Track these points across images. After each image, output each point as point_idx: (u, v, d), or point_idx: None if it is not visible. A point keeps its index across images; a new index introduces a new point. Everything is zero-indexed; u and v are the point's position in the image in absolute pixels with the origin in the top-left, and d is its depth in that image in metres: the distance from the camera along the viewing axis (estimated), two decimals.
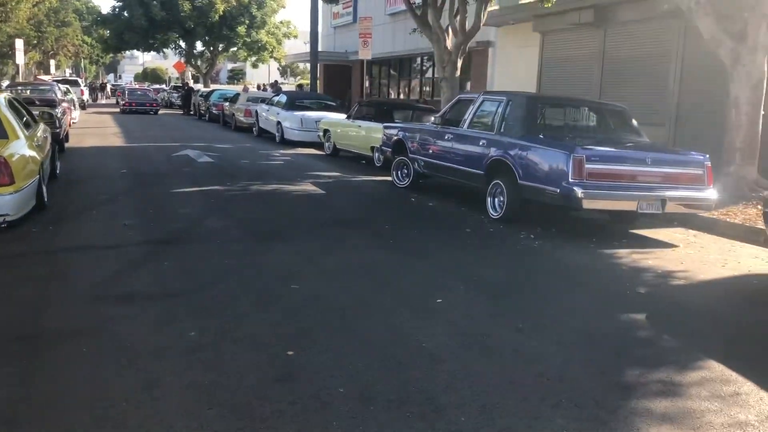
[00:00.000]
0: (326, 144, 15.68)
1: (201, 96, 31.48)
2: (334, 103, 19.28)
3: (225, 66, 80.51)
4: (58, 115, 13.59)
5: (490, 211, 7.93)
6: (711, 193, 7.20)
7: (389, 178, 10.93)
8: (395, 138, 10.50)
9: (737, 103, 8.66)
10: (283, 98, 19.11)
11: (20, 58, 32.92)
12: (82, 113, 30.44)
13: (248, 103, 22.84)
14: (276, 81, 33.55)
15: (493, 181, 7.88)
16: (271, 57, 46.73)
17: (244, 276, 5.21)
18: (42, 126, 9.40)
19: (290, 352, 3.69)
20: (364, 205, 8.95)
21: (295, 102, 18.60)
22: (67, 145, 15.19)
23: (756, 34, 8.36)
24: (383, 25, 29.37)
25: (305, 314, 4.34)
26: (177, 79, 79.22)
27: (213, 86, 44.84)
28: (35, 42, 44.56)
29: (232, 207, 8.19)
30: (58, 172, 10.33)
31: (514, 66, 20.35)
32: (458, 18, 16.03)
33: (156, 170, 11.46)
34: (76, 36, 54.09)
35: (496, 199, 7.90)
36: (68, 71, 77.12)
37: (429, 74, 27.22)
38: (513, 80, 20.22)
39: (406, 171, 10.28)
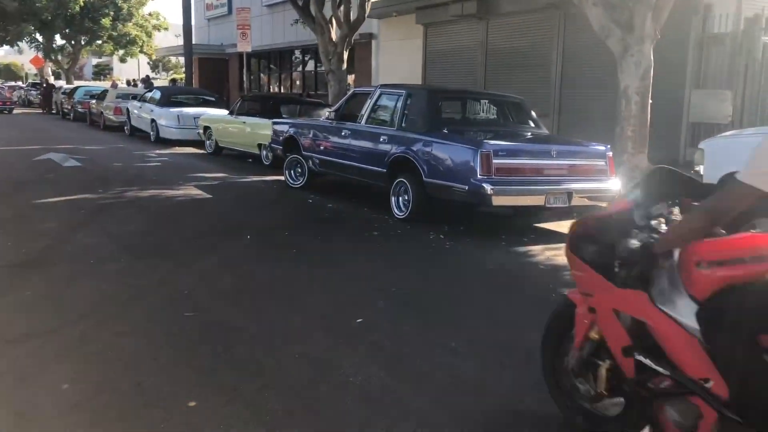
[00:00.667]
0: (207, 142, 14.69)
1: (64, 93, 28.96)
2: (212, 98, 18.20)
3: (90, 61, 75.27)
4: None
5: (395, 210, 7.51)
6: (614, 184, 7.16)
7: (281, 178, 10.25)
8: (286, 135, 9.83)
9: (627, 93, 8.74)
10: (156, 94, 17.79)
11: None
12: None
13: (118, 100, 21.15)
14: (147, 76, 31.58)
15: (397, 180, 7.46)
16: (140, 51, 44.03)
17: (126, 304, 4.43)
18: None
19: (192, 403, 3.03)
20: (257, 209, 8.23)
21: (170, 98, 17.35)
22: None
23: (642, 24, 8.46)
24: (261, 17, 28.32)
25: (205, 350, 3.67)
26: (35, 75, 73.24)
27: (77, 83, 41.63)
28: None
29: (106, 218, 7.22)
30: None
31: (398, 59, 20.15)
32: (341, 9, 15.54)
33: (14, 177, 10.09)
34: None
35: (401, 198, 7.48)
36: None
37: (310, 67, 26.57)
38: (397, 73, 20.02)
39: (299, 170, 9.65)
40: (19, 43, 43.00)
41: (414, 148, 7.20)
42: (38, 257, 5.55)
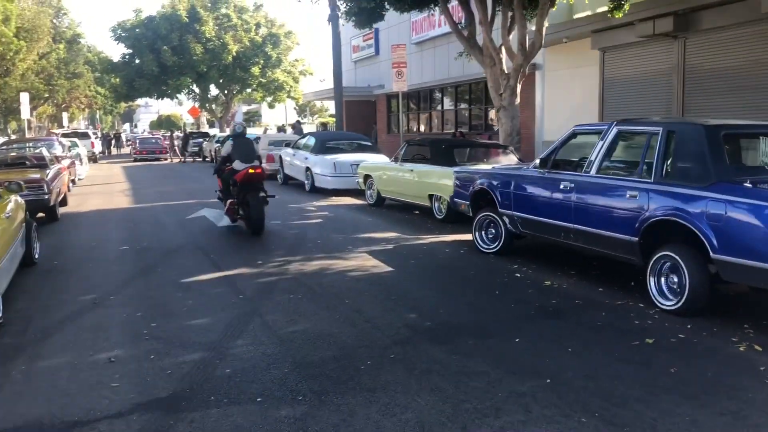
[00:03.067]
0: (368, 192, 13.18)
1: (218, 142, 29.30)
2: (369, 143, 16.85)
3: (240, 109, 79.13)
4: (48, 177, 11.25)
5: (657, 298, 5.30)
6: None
7: (465, 238, 8.36)
8: (476, 187, 7.92)
9: None
10: (311, 140, 16.72)
11: (26, 112, 31.07)
12: (93, 167, 28.41)
13: (270, 147, 20.52)
14: (298, 121, 31.39)
15: (659, 254, 5.26)
16: (288, 97, 44.80)
17: None
18: (5, 203, 6.95)
19: None
20: (458, 291, 6.28)
21: (325, 144, 16.18)
22: (64, 209, 12.88)
23: None
24: (409, 55, 27.18)
25: None
26: (192, 124, 78.04)
27: (228, 130, 42.95)
28: (46, 95, 43.04)
29: (270, 309, 5.62)
30: (37, 256, 7.88)
31: (567, 89, 17.89)
32: (512, 36, 13.65)
33: (164, 243, 8.98)
34: (88, 87, 52.72)
35: (665, 279, 5.26)
36: (84, 123, 76.27)
37: (465, 104, 24.85)
38: (567, 105, 17.73)
39: (494, 231, 7.69)
40: (178, 95, 45.13)
41: (690, 209, 4.98)
42: (184, 392, 3.93)
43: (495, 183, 7.54)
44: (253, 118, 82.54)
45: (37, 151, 14.21)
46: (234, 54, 40.25)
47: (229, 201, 9.91)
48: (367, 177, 13.20)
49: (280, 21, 43.32)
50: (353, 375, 4.05)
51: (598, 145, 6.15)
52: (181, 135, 38.60)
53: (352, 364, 4.25)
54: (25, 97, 30.11)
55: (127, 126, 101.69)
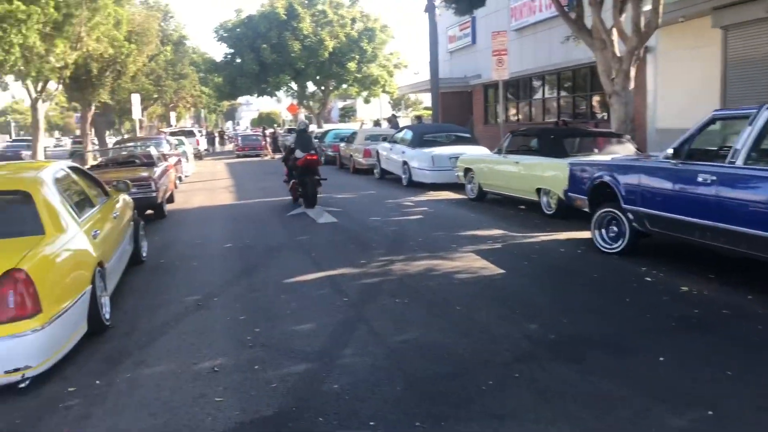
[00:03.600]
0: (468, 186, 12.65)
1: (315, 137, 29.54)
2: (467, 135, 16.29)
3: (336, 104, 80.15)
4: (155, 176, 11.48)
5: None
6: None
7: (581, 236, 7.72)
8: (595, 180, 7.27)
9: None
10: (407, 134, 16.37)
11: (137, 112, 32.62)
12: (198, 164, 29.39)
13: (367, 142, 20.36)
14: (393, 114, 31.11)
15: None
16: (383, 91, 44.75)
17: None
18: (114, 202, 6.99)
19: None
20: (581, 298, 5.68)
21: (422, 137, 15.78)
22: (171, 206, 13.16)
23: None
24: (508, 43, 26.27)
25: None
26: (291, 121, 79.80)
27: (326, 126, 43.42)
28: (155, 96, 45.12)
29: (375, 315, 5.27)
30: (144, 254, 7.94)
31: (682, 72, 16.58)
32: (623, 16, 12.68)
33: (266, 241, 8.86)
34: (194, 87, 54.89)
35: None
36: (190, 121, 79.72)
37: (567, 92, 23.72)
38: (683, 90, 16.46)
39: (616, 229, 7.01)
40: (277, 92, 46.09)
41: None
42: (293, 409, 3.63)
43: (618, 176, 6.86)
44: (348, 113, 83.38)
45: (146, 149, 14.64)
46: (330, 50, 40.57)
47: (292, 182, 12.84)
48: (467, 170, 12.68)
49: (374, 15, 43.25)
50: (474, 397, 3.61)
51: (745, 132, 5.38)
52: (270, 132, 39.41)
53: (472, 383, 3.81)
54: (136, 98, 31.58)
55: (229, 124, 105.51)
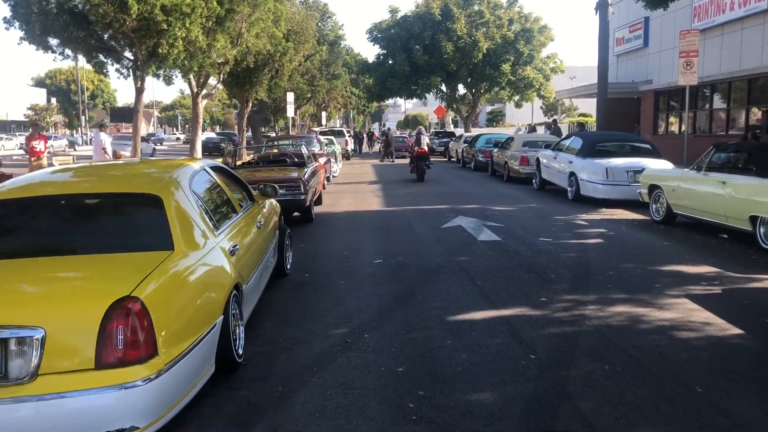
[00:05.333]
0: (654, 206, 10.80)
1: (465, 142, 28.34)
2: (648, 147, 14.26)
3: (484, 108, 78.32)
4: (305, 177, 10.78)
5: None
6: None
7: None
8: None
9: None
10: (576, 142, 14.65)
11: (291, 111, 33.11)
12: (346, 164, 29.20)
13: (525, 149, 18.79)
14: (555, 120, 29.14)
15: None
16: (537, 95, 42.55)
17: None
18: (259, 208, 6.15)
19: None
20: None
21: (594, 146, 14.02)
22: (318, 209, 12.49)
23: None
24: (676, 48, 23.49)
25: None
26: (436, 124, 79.10)
27: (476, 130, 42.07)
28: (309, 96, 46.03)
29: (582, 393, 3.88)
30: (289, 266, 7.09)
31: None
32: None
33: (421, 260, 7.74)
34: (345, 87, 55.68)
35: None
36: (339, 122, 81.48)
37: (762, 102, 20.68)
38: None
39: None
40: (427, 94, 45.34)
41: None
42: None
43: None
44: (496, 117, 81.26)
45: (297, 148, 14.13)
46: (484, 51, 39.11)
47: (411, 165, 20.17)
48: (653, 187, 10.83)
49: (534, 15, 41.15)
50: None
51: None
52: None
53: None
54: (291, 97, 32.03)
55: (376, 125, 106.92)
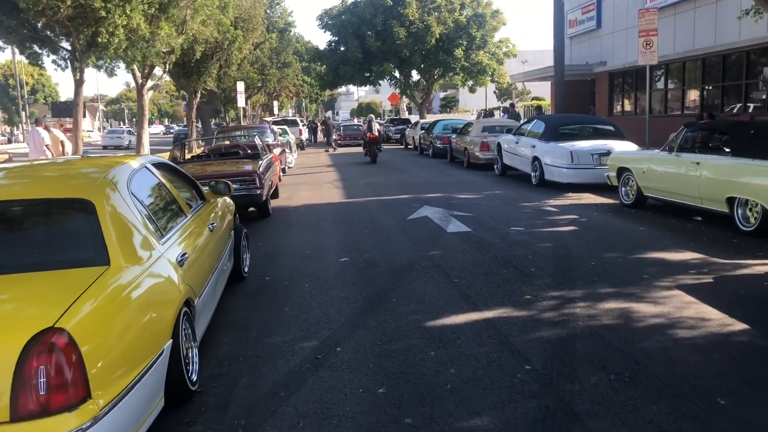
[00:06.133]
0: (623, 189, 10.50)
1: (422, 129, 27.89)
2: (611, 129, 14.01)
3: (437, 95, 78.13)
4: (260, 170, 10.11)
5: None
6: None
7: None
8: None
9: None
10: (538, 126, 14.30)
11: (241, 101, 32.12)
12: (301, 154, 28.43)
13: (484, 134, 18.42)
14: (512, 104, 28.87)
15: None
16: (491, 80, 42.36)
17: None
18: (211, 208, 5.51)
19: None
20: None
21: (557, 129, 13.70)
22: (275, 203, 11.83)
23: None
24: (631, 29, 23.46)
25: None
26: (390, 111, 78.55)
27: (430, 117, 41.70)
28: (259, 85, 44.88)
29: (594, 411, 3.39)
30: (246, 269, 6.47)
31: None
32: None
33: (390, 256, 7.21)
34: (297, 76, 54.60)
35: None
36: (291, 111, 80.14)
37: (714, 81, 20.75)
38: None
39: None
40: (380, 81, 44.70)
41: None
42: None
43: None
44: (449, 103, 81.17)
45: (250, 139, 13.40)
46: (437, 36, 38.67)
47: (365, 149, 22.38)
48: (621, 170, 10.53)
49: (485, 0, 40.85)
50: None
51: None
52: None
53: None
54: (241, 86, 31.03)
55: (329, 114, 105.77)
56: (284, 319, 5.16)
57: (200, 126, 37.89)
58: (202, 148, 15.47)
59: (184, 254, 4.06)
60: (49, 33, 16.40)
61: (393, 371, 3.97)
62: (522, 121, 18.64)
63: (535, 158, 13.59)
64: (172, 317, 3.50)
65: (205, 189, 5.78)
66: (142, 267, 3.42)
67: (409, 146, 31.20)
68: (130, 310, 3.17)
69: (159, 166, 4.83)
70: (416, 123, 32.12)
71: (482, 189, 13.34)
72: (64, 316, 2.70)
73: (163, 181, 4.65)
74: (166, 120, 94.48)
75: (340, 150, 30.90)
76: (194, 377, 3.78)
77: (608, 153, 12.16)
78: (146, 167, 4.52)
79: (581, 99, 29.78)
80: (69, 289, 2.95)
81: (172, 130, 43.09)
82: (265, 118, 47.67)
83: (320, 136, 44.09)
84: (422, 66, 41.82)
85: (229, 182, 5.87)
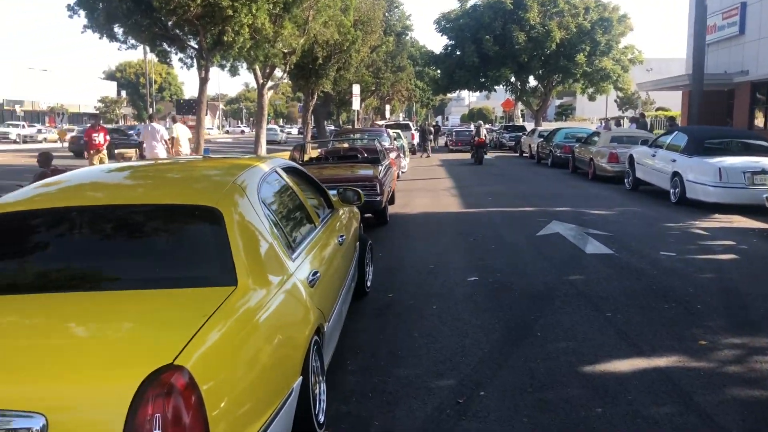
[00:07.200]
0: None
1: (540, 136, 26.73)
2: (766, 144, 12.51)
3: (553, 102, 75.67)
4: (380, 175, 9.66)
5: None
6: None
7: None
8: None
9: None
10: (680, 138, 13.01)
11: (356, 104, 32.18)
12: (412, 159, 28.02)
13: (613, 144, 17.18)
14: (642, 114, 27.09)
15: None
16: (614, 87, 40.21)
17: None
18: (339, 218, 5.03)
19: None
20: None
21: (703, 143, 12.37)
22: (391, 209, 11.34)
23: None
24: None
25: None
26: (501, 118, 76.96)
27: (545, 124, 40.16)
28: (373, 88, 45.01)
29: None
30: (369, 284, 5.97)
31: None
32: None
33: (526, 279, 6.47)
34: (410, 80, 54.46)
35: None
36: (401, 115, 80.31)
37: None
38: None
39: None
40: (496, 86, 43.64)
41: None
42: None
43: None
44: (565, 111, 78.42)
45: (370, 143, 13.03)
46: (557, 41, 37.10)
47: (472, 152, 24.77)
48: None
49: (613, 3, 38.85)
50: None
51: None
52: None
53: None
54: (356, 89, 31.06)
55: (438, 119, 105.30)
56: (414, 346, 4.59)
57: (314, 128, 38.42)
58: (319, 151, 15.31)
59: (316, 273, 3.56)
60: (178, 32, 16.85)
61: (553, 431, 3.29)
62: (659, 133, 17.23)
63: (676, 173, 12.35)
64: (303, 349, 3.00)
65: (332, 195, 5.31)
66: (272, 289, 2.94)
67: (524, 154, 30.06)
68: (258, 342, 2.68)
69: (288, 170, 4.39)
70: (533, 130, 30.91)
71: (614, 204, 12.27)
72: (185, 350, 2.24)
73: (293, 187, 4.19)
74: (281, 120, 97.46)
75: (450, 155, 30.25)
76: (321, 418, 3.26)
77: (763, 171, 10.83)
78: (276, 171, 4.08)
79: (715, 111, 27.45)
80: (191, 315, 2.50)
81: (285, 131, 45.10)
82: (377, 122, 47.76)
83: (436, 141, 43.63)
84: (540, 72, 40.36)
85: (359, 190, 5.37)
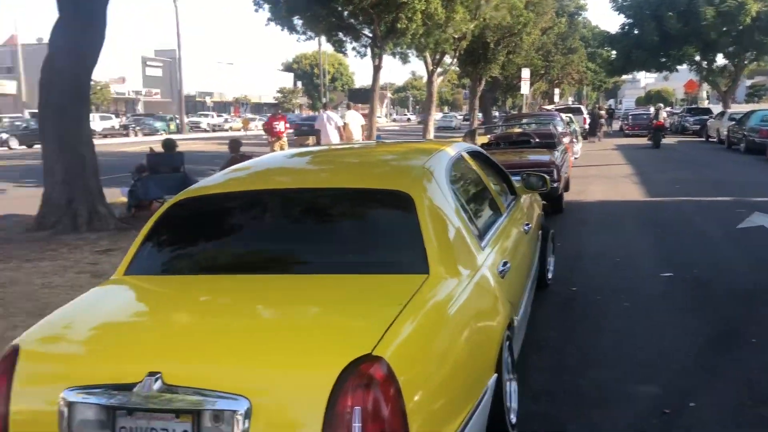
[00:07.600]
0: None
1: (731, 120, 24.26)
2: None
3: (743, 82, 68.53)
4: (557, 161, 9.20)
5: None
6: None
7: None
8: None
9: None
10: None
11: (525, 88, 31.26)
12: (584, 144, 26.69)
13: None
14: None
15: None
16: None
17: None
18: (523, 206, 4.77)
19: None
20: None
21: None
22: (566, 196, 10.78)
23: None
24: None
25: None
26: (682, 101, 71.03)
27: (735, 107, 36.42)
28: (542, 72, 43.51)
29: None
30: (550, 275, 5.66)
31: None
32: None
33: (727, 276, 5.79)
34: (581, 62, 51.97)
35: None
36: (570, 99, 77.05)
37: None
38: None
39: None
40: (678, 67, 40.32)
41: None
42: None
43: None
44: (758, 92, 70.74)
45: (544, 127, 12.51)
46: (753, 15, 33.34)
47: (649, 135, 24.73)
48: None
49: None
50: None
51: None
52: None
53: None
54: (526, 73, 30.15)
55: (611, 102, 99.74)
56: (605, 346, 4.24)
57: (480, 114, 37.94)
58: (488, 137, 14.99)
59: (506, 263, 3.35)
60: (353, 21, 17.29)
61: None
62: None
63: None
64: (497, 345, 2.81)
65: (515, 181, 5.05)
66: (463, 279, 2.78)
67: (711, 138, 27.49)
68: (452, 335, 2.54)
69: (473, 155, 4.21)
70: (722, 113, 28.14)
71: None
72: (382, 339, 2.14)
73: (479, 172, 4.01)
74: (446, 108, 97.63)
75: (624, 140, 28.43)
76: (513, 419, 3.06)
77: None
78: (462, 156, 3.92)
79: None
80: (386, 303, 2.41)
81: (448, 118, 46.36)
82: (544, 106, 46.17)
83: (609, 126, 41.38)
84: (731, 49, 36.60)
85: (545, 175, 5.07)
